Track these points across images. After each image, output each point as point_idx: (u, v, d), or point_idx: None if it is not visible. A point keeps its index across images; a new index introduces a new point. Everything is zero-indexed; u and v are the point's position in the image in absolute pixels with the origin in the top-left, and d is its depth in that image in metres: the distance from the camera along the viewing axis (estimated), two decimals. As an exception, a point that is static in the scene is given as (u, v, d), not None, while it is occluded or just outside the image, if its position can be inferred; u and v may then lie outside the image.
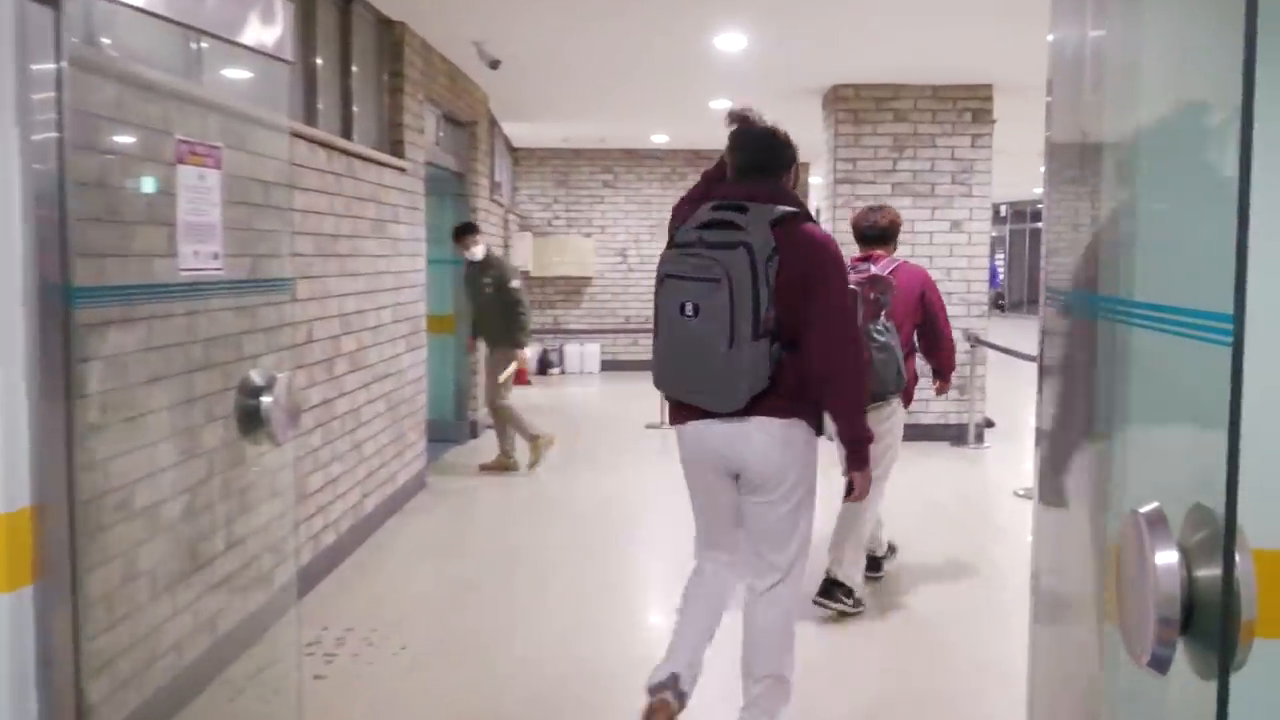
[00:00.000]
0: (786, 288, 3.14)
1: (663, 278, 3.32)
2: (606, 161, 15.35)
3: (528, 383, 13.69)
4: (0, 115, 2.15)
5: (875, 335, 4.79)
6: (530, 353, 14.57)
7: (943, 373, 5.43)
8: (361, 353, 6.16)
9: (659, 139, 14.20)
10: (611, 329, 14.95)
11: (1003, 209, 30.04)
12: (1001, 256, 30.56)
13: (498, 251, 9.58)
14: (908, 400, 5.15)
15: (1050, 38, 2.02)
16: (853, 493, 3.47)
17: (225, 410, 3.05)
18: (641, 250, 15.39)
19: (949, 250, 9.62)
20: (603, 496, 7.66)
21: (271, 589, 3.44)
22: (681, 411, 3.39)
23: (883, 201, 7.47)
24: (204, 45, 3.09)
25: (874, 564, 5.47)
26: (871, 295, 4.76)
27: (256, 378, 2.98)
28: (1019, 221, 30.56)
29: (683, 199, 3.68)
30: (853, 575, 4.98)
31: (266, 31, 3.27)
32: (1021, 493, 7.40)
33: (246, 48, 3.17)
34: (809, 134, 10.75)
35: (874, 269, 5.03)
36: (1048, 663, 2.04)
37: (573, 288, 15.41)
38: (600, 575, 5.75)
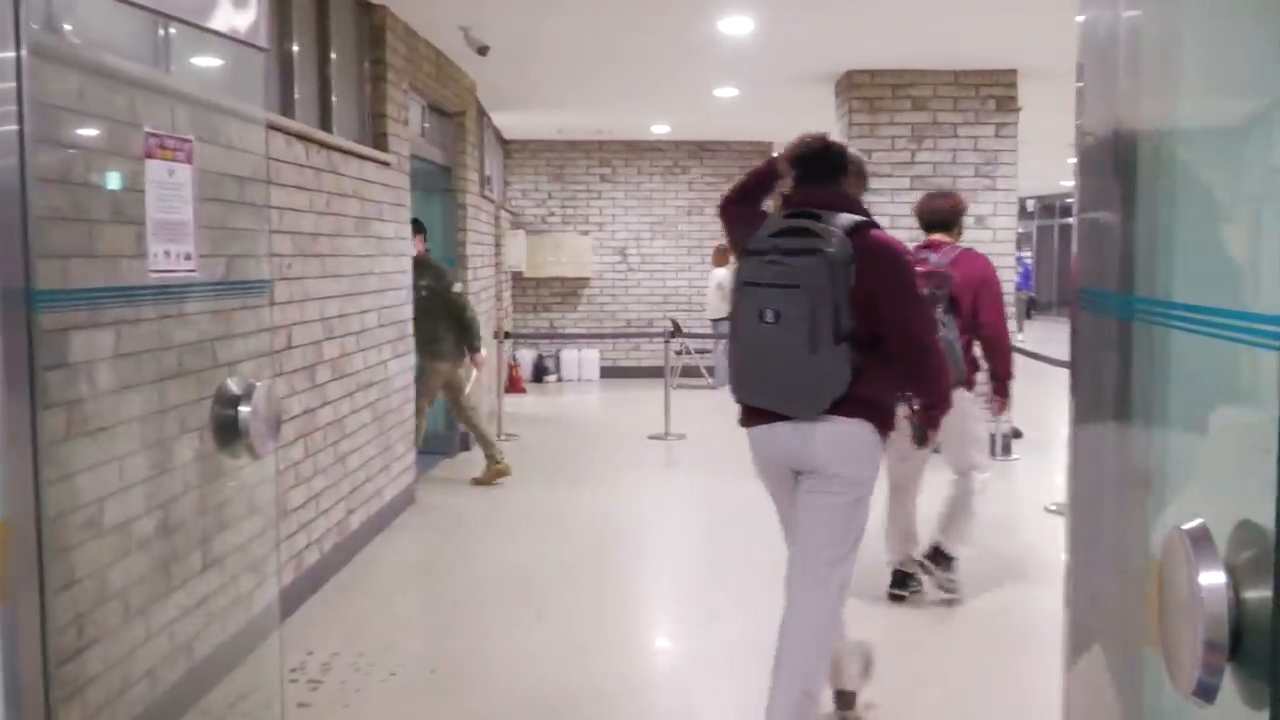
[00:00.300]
0: (863, 294, 3.41)
1: (741, 285, 3.62)
2: (604, 154, 15.36)
3: (522, 390, 13.70)
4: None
5: None
6: (526, 357, 14.62)
7: (996, 376, 5.50)
8: (345, 359, 6.16)
9: (660, 130, 14.22)
10: (611, 333, 14.95)
11: (1029, 203, 30.01)
12: (1029, 254, 30.53)
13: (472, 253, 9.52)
14: (969, 386, 5.34)
15: (1080, 18, 2.01)
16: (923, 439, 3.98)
17: (201, 421, 3.04)
18: (642, 249, 15.40)
19: (973, 247, 9.59)
20: (602, 512, 7.66)
21: (252, 611, 3.44)
22: (752, 415, 3.65)
23: (901, 195, 7.49)
24: (173, 32, 3.08)
25: (900, 581, 5.56)
26: (927, 290, 4.82)
27: (234, 386, 2.97)
28: (1047, 216, 30.53)
29: (730, 201, 3.97)
30: (948, 541, 5.53)
31: (239, 16, 3.26)
32: (1053, 508, 7.40)
33: (218, 34, 3.17)
34: (820, 124, 10.74)
35: (934, 258, 5.26)
36: (1084, 691, 2.03)
37: (569, 289, 15.41)
38: (599, 596, 5.74)
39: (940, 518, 5.57)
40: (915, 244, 5.43)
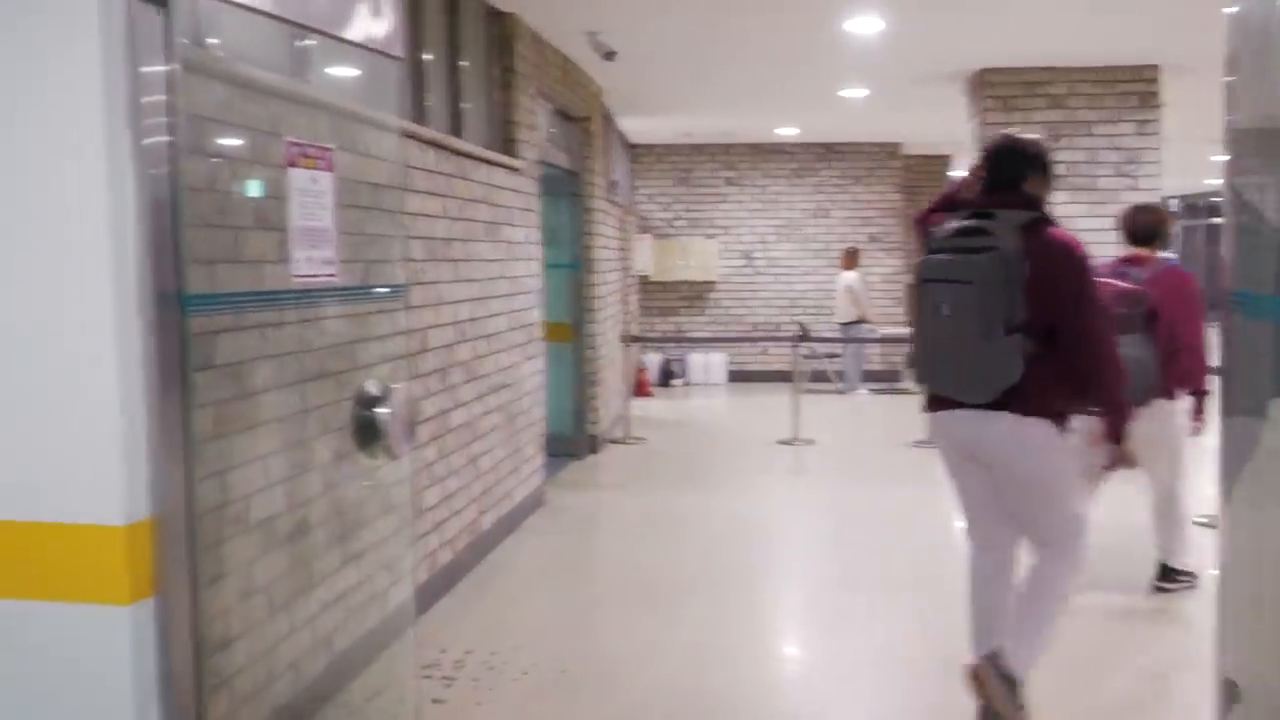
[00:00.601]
0: (1036, 289, 3.60)
1: (921, 280, 3.90)
2: (730, 157, 15.35)
3: (649, 394, 13.77)
4: (113, 119, 2.25)
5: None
6: (653, 361, 14.68)
7: (1193, 394, 5.43)
8: (477, 362, 6.27)
9: (786, 131, 14.15)
10: (737, 337, 14.92)
11: (1172, 203, 29.04)
12: (1174, 255, 29.47)
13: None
14: (1169, 397, 5.29)
15: (1231, 10, 1.96)
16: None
17: (340, 421, 3.14)
18: (769, 252, 15.34)
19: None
20: (730, 516, 7.65)
21: (388, 608, 3.53)
22: (935, 401, 3.92)
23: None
24: (312, 43, 3.18)
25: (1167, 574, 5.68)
26: (1121, 310, 4.84)
27: (372, 388, 3.06)
28: (1192, 216, 29.50)
29: (925, 210, 4.23)
30: (1171, 555, 5.61)
31: (375, 27, 3.36)
32: (1203, 520, 7.14)
33: (355, 44, 3.27)
34: (951, 124, 10.60)
35: (1135, 273, 5.28)
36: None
37: (696, 293, 15.44)
38: (728, 600, 5.74)
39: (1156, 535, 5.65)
40: (1114, 259, 5.54)
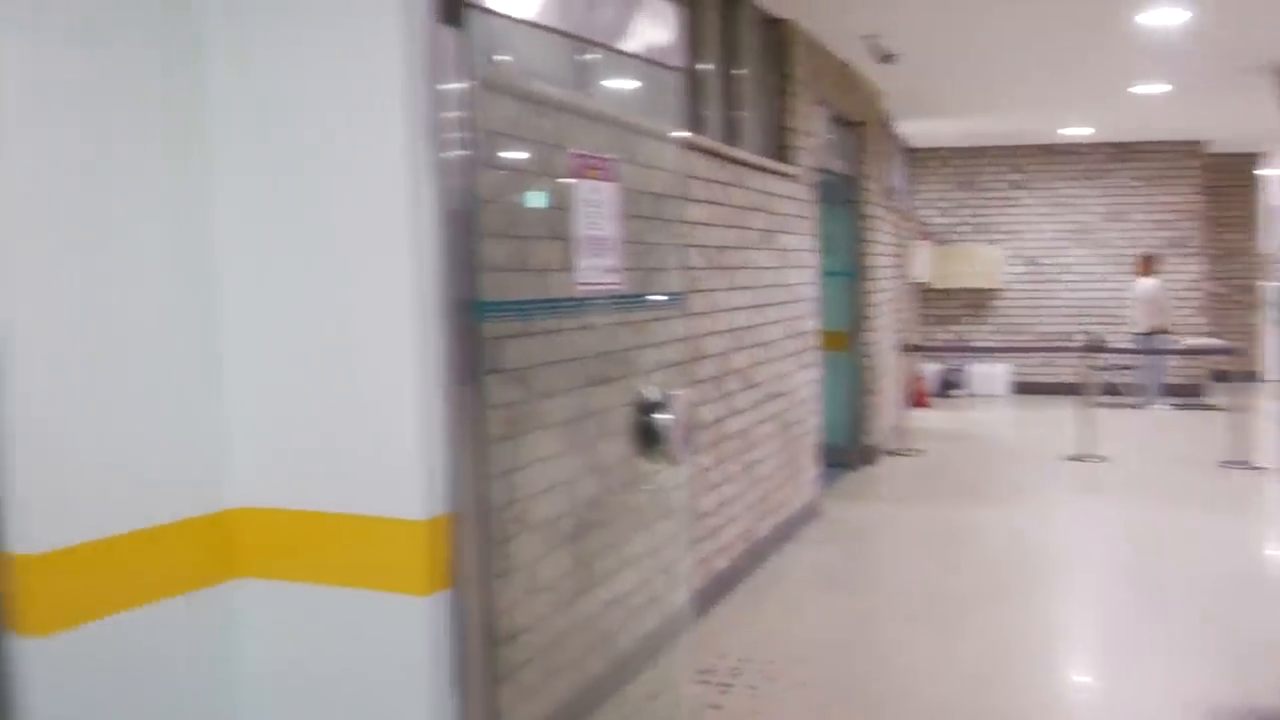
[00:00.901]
0: None
1: None
2: (1015, 159, 14.84)
3: (927, 405, 13.48)
4: (413, 135, 2.42)
5: None
6: (932, 371, 14.36)
7: None
8: (752, 370, 6.32)
9: (1075, 131, 13.56)
10: (1023, 347, 14.38)
11: None
12: None
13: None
14: None
15: None
16: None
17: (620, 426, 3.24)
18: (1058, 258, 14.73)
19: None
20: (1013, 533, 7.40)
21: (665, 611, 3.61)
22: None
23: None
24: (595, 57, 3.30)
25: None
26: None
27: (652, 394, 3.15)
28: None
29: None
30: None
31: (655, 39, 3.46)
32: None
33: (637, 57, 3.38)
34: (1259, 121, 9.92)
35: None
36: None
37: (977, 301, 15.00)
38: (1012, 619, 5.55)
39: None
40: None
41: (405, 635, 2.47)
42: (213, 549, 2.57)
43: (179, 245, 2.50)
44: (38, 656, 2.22)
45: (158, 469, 2.45)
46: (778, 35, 7.32)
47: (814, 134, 7.92)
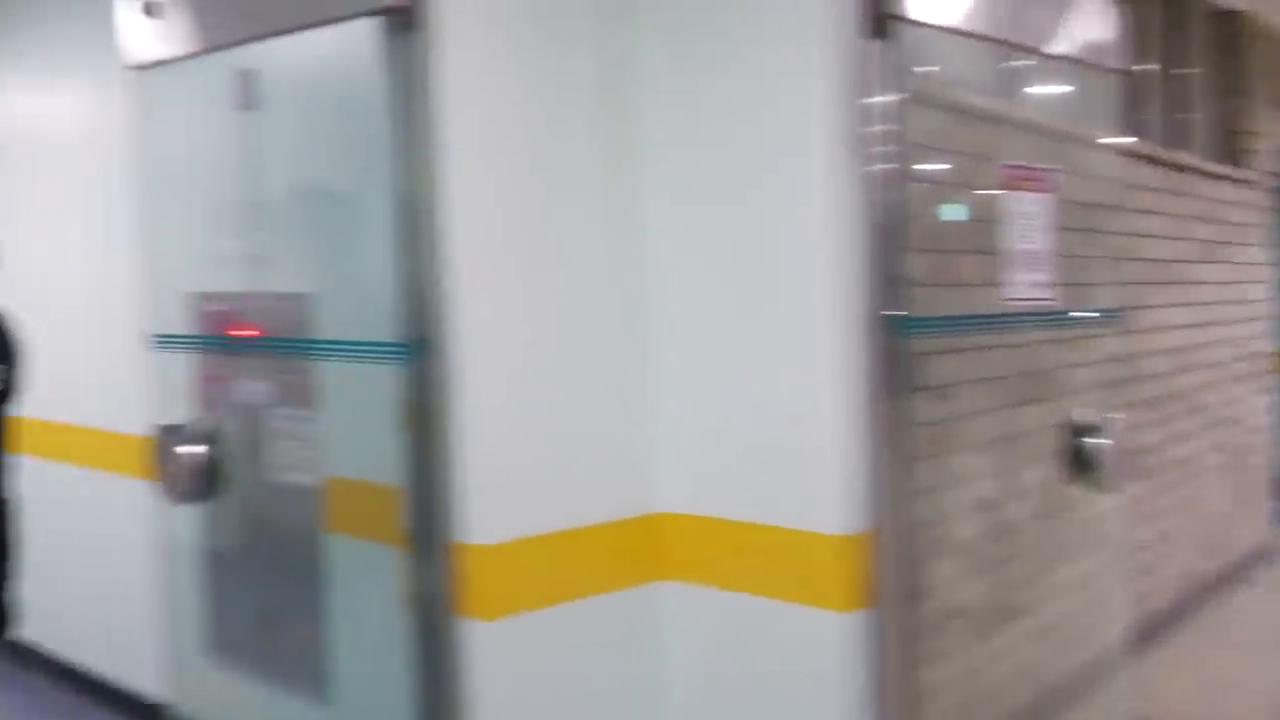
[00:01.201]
0: None
1: None
2: None
3: None
4: (838, 150, 2.44)
5: None
6: None
7: None
8: (1197, 393, 5.90)
9: None
10: None
11: None
12: None
13: None
14: None
15: None
16: None
17: (1048, 448, 3.11)
18: None
19: None
20: None
21: (1096, 648, 3.42)
22: None
23: None
24: (1024, 61, 3.20)
25: None
26: None
27: (1084, 416, 3.00)
28: None
29: None
30: None
31: (1091, 39, 3.31)
32: None
33: (1070, 60, 3.24)
34: None
35: None
36: None
37: None
38: None
39: None
40: None
41: (820, 650, 2.49)
42: (639, 551, 2.70)
43: (615, 261, 2.66)
44: (486, 639, 2.44)
45: (596, 470, 2.62)
46: (1230, 29, 6.80)
47: (1272, 136, 7.30)
